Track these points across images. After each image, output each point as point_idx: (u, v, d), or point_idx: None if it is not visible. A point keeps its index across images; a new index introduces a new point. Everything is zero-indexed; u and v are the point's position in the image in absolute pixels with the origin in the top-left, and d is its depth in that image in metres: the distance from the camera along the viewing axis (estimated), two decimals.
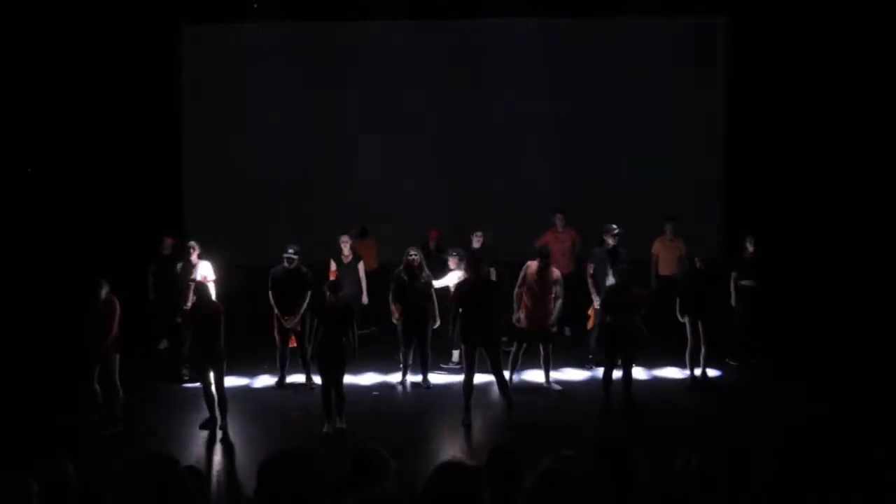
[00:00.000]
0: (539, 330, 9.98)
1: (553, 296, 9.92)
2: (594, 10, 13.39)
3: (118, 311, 8.96)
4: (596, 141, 13.63)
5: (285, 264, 10.18)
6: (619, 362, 9.39)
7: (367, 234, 12.55)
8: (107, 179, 12.94)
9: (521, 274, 9.99)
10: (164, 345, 10.87)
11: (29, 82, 12.47)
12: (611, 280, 10.47)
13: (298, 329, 10.28)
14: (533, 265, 9.96)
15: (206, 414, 8.99)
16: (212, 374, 8.95)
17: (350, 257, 11.32)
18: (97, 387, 9.01)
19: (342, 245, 11.29)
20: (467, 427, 9.02)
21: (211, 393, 8.94)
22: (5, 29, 12.10)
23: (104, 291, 8.95)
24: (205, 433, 8.93)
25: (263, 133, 13.75)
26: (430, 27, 13.75)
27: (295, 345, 10.41)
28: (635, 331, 9.42)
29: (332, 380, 8.86)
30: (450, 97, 13.71)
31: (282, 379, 10.50)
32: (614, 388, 9.39)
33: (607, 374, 9.42)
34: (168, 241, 11.20)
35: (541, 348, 10.14)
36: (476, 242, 11.64)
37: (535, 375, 10.49)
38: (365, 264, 11.53)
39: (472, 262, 9.83)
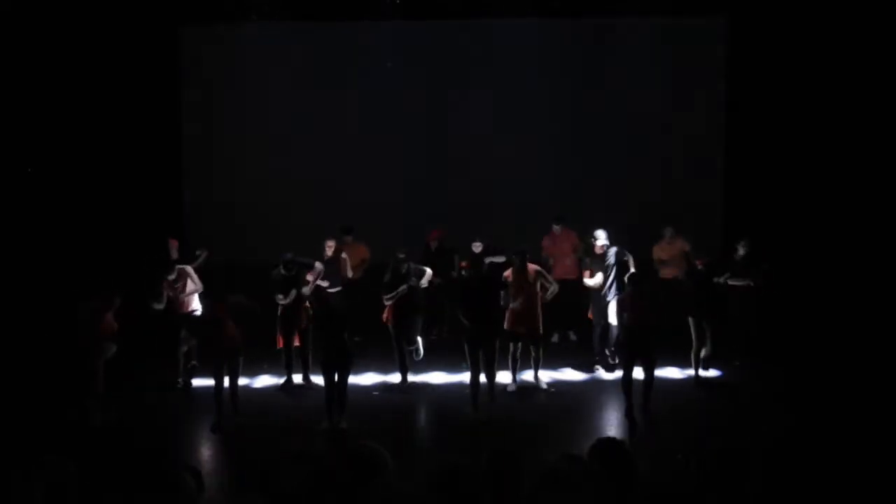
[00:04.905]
0: (527, 331, 10.00)
1: (538, 292, 9.96)
2: (594, 10, 13.41)
3: (115, 307, 9.21)
4: (595, 141, 13.63)
5: (283, 272, 10.26)
6: (639, 364, 9.33)
7: (351, 232, 12.48)
8: (107, 180, 12.96)
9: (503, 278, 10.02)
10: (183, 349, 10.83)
11: (29, 83, 12.48)
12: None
13: (303, 327, 10.31)
14: (508, 273, 10.00)
15: (205, 415, 9.03)
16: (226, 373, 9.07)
17: (332, 256, 11.37)
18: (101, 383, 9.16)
19: (327, 249, 11.32)
20: (479, 424, 9.05)
21: (222, 392, 8.98)
22: (5, 30, 12.10)
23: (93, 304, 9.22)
24: (206, 434, 8.94)
25: (263, 133, 13.76)
26: (430, 27, 13.75)
27: (299, 344, 10.46)
28: (654, 332, 9.34)
29: (337, 380, 8.92)
30: (450, 97, 13.71)
31: (289, 380, 10.53)
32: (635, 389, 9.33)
33: (626, 376, 9.35)
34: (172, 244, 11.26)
35: (531, 349, 10.19)
36: (476, 249, 11.86)
37: (541, 375, 10.49)
38: (347, 268, 11.60)
39: (474, 262, 9.91)
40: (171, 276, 10.37)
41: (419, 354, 10.61)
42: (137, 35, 12.84)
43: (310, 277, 10.58)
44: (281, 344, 10.47)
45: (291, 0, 13.25)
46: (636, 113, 13.51)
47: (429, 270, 10.61)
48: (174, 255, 10.97)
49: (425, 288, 10.66)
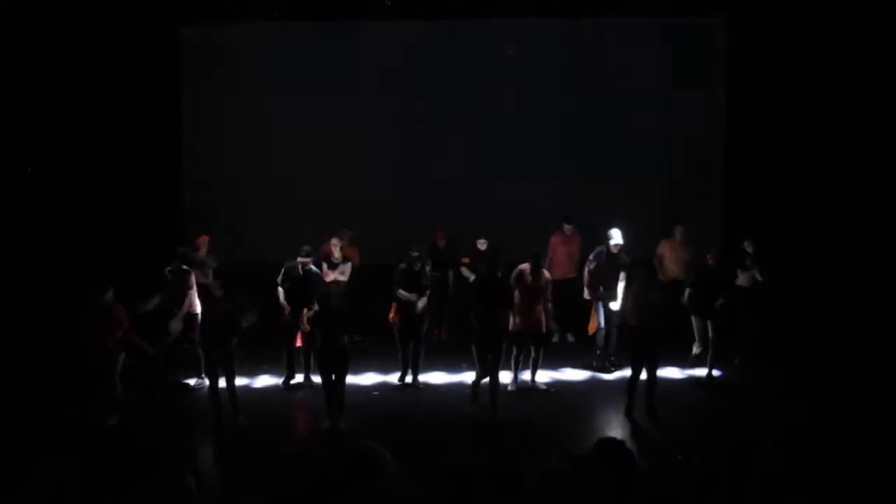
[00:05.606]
0: (529, 331, 9.99)
1: (546, 299, 9.96)
2: (594, 10, 13.41)
3: (122, 317, 9.18)
4: (596, 141, 13.62)
5: (301, 263, 10.25)
6: (645, 365, 9.32)
7: (350, 229, 12.44)
8: (107, 179, 12.95)
9: (515, 275, 9.96)
10: (185, 346, 10.84)
11: (29, 83, 12.48)
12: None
13: (305, 328, 10.32)
14: (526, 266, 10.00)
15: (205, 415, 9.02)
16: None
17: (339, 258, 11.36)
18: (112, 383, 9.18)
19: (332, 248, 11.33)
20: (475, 421, 9.07)
21: (218, 392, 8.97)
22: (5, 30, 12.10)
23: (108, 297, 9.16)
24: (206, 434, 8.95)
25: (263, 133, 13.76)
26: (431, 27, 13.74)
27: (301, 344, 10.46)
28: (657, 333, 9.31)
29: (335, 380, 8.91)
30: (450, 97, 13.71)
31: (289, 379, 10.52)
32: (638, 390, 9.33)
33: (633, 377, 9.32)
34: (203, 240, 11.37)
35: (532, 350, 10.18)
36: (481, 246, 11.94)
37: (538, 377, 10.49)
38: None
39: (477, 258, 9.93)
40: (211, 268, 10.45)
41: (419, 386, 10.55)
42: (137, 35, 12.83)
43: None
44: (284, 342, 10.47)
45: (292, 0, 13.25)
46: (636, 113, 13.50)
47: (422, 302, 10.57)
48: (204, 252, 10.97)
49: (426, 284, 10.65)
